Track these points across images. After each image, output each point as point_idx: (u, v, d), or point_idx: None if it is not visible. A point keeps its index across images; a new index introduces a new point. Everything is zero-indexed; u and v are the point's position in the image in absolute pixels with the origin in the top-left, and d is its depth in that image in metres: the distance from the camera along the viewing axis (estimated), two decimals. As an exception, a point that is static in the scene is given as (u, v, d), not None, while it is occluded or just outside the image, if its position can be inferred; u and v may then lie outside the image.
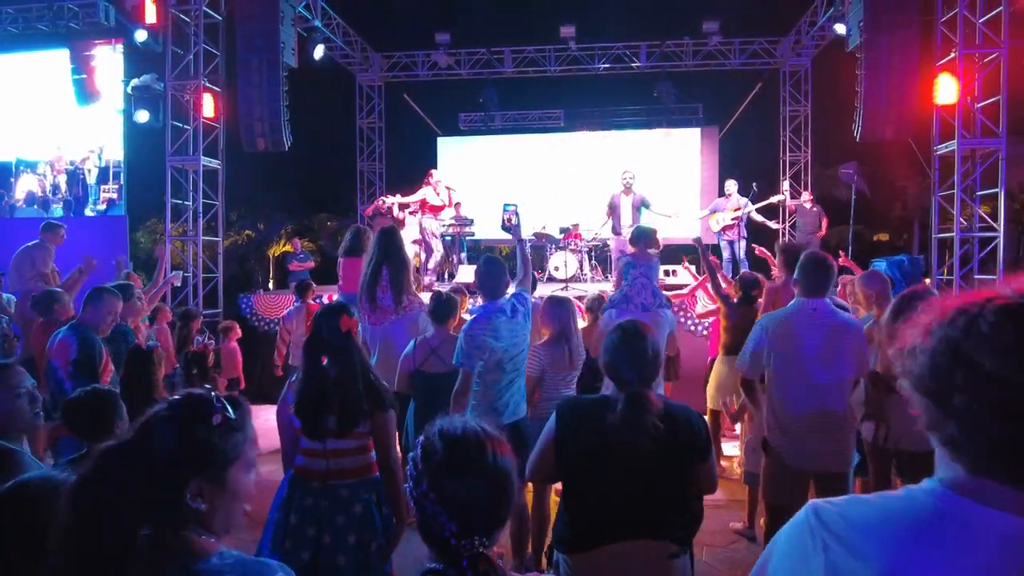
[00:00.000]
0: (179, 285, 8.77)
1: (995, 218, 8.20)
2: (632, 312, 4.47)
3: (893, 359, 0.91)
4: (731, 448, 5.87)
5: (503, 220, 4.01)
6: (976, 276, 8.22)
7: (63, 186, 10.80)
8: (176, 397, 1.24)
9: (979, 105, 8.11)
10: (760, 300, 5.13)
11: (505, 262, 3.94)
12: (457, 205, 10.97)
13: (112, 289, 3.88)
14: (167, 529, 1.16)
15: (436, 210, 9.58)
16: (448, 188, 9.78)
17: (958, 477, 0.83)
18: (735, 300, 5.22)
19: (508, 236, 4.03)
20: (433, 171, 9.82)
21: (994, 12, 7.86)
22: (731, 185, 9.75)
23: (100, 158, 10.67)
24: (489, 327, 3.33)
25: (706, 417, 5.40)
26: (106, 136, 10.67)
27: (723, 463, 5.47)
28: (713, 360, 5.56)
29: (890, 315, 3.04)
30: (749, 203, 9.57)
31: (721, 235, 9.66)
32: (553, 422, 2.20)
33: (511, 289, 3.67)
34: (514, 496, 1.27)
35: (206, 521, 1.19)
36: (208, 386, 1.31)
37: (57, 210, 10.73)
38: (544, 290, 7.20)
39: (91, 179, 10.71)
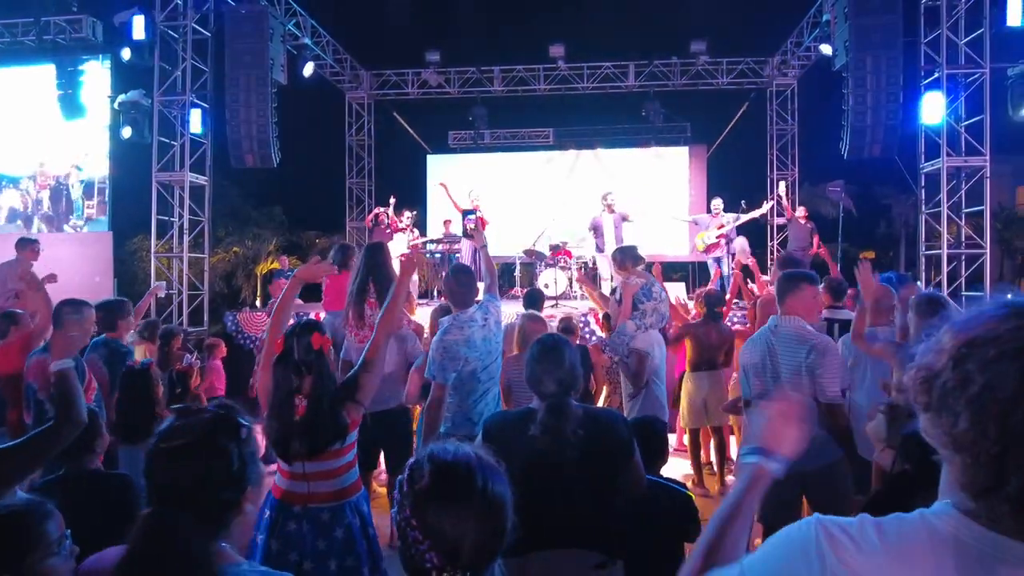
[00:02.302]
0: (163, 296, 8.61)
1: (981, 235, 8.27)
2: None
3: (911, 392, 0.82)
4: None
5: (463, 227, 4.06)
6: (963, 293, 8.27)
7: (46, 202, 10.66)
8: (203, 415, 1.27)
9: (963, 124, 8.22)
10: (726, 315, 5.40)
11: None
12: (447, 222, 10.98)
13: (87, 301, 3.75)
14: (214, 538, 1.21)
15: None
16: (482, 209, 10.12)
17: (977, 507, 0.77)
18: (699, 317, 5.26)
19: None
20: (471, 191, 10.05)
21: (976, 33, 8.01)
22: (717, 204, 9.67)
23: (80, 170, 10.55)
24: (462, 337, 3.28)
25: (686, 438, 5.36)
26: (91, 151, 10.56)
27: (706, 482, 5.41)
28: (681, 376, 5.48)
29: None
30: (732, 219, 9.54)
31: (706, 254, 9.55)
32: (479, 437, 2.23)
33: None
34: (508, 528, 1.19)
35: (244, 523, 1.29)
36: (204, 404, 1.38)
37: (39, 226, 10.58)
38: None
39: (75, 194, 10.58)
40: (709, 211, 9.94)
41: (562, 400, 2.13)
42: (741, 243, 9.06)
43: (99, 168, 10.55)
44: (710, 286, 6.45)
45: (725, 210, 9.60)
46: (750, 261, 6.84)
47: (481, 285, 4.20)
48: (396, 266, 9.65)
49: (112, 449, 3.26)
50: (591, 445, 2.07)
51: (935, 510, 0.80)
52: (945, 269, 8.19)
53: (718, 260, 9.40)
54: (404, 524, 1.13)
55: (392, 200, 10.61)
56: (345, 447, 2.48)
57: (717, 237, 9.30)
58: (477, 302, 3.58)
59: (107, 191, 10.48)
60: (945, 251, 8.23)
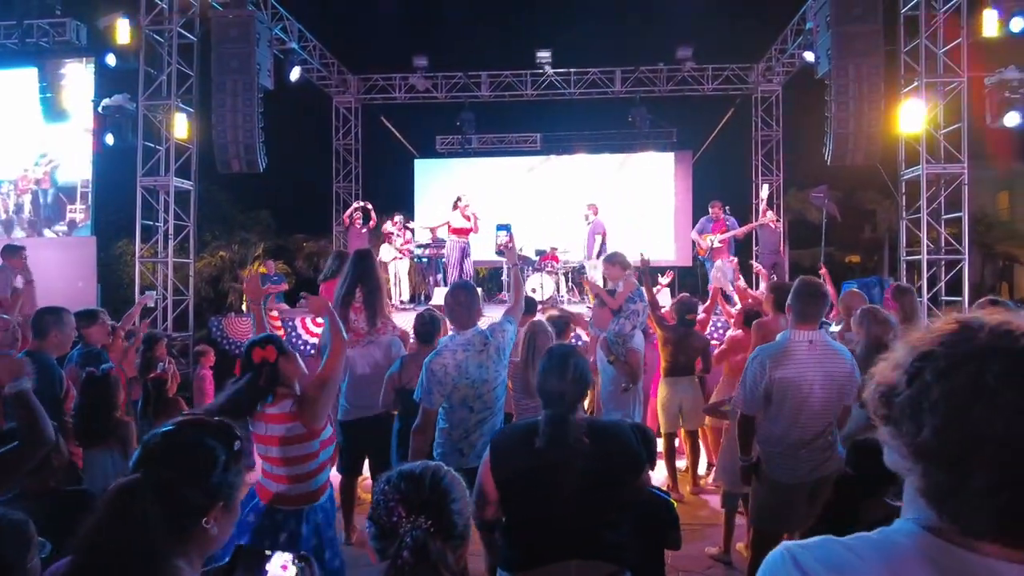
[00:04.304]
0: (152, 306, 8.56)
1: (960, 241, 8.40)
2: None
3: (871, 402, 0.85)
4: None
5: (497, 243, 3.93)
6: (943, 298, 8.38)
7: (28, 206, 10.54)
8: (190, 423, 1.30)
9: (942, 132, 8.35)
10: (697, 322, 5.47)
11: (483, 284, 3.92)
12: (433, 228, 10.99)
13: (67, 309, 3.75)
14: (167, 560, 1.15)
15: (461, 232, 9.77)
16: (474, 214, 9.98)
17: (941, 523, 0.79)
18: (673, 323, 5.35)
19: (490, 258, 3.99)
20: (461, 196, 9.99)
21: (954, 43, 8.15)
22: (715, 209, 9.57)
23: (55, 175, 10.42)
24: (453, 361, 3.09)
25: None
26: (73, 155, 10.45)
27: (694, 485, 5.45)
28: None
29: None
30: (733, 224, 9.54)
31: (709, 259, 9.41)
32: (488, 452, 2.23)
33: (497, 316, 3.51)
34: (459, 503, 1.36)
35: (207, 547, 1.23)
36: (192, 413, 1.38)
37: (19, 232, 10.45)
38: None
39: (50, 198, 10.45)
40: (706, 214, 9.75)
41: (561, 411, 2.13)
42: (721, 266, 9.06)
43: (82, 172, 10.44)
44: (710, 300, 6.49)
45: (725, 213, 9.49)
46: (733, 285, 6.76)
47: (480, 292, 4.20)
48: (402, 267, 9.64)
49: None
50: (598, 457, 2.07)
51: (897, 528, 0.82)
52: (925, 275, 8.31)
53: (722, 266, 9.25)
54: (381, 498, 1.32)
55: (398, 217, 10.59)
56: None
57: (720, 242, 9.26)
58: (498, 319, 3.45)
59: (90, 195, 10.38)
60: (925, 257, 8.34)
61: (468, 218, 9.83)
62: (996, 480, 0.72)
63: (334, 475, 2.80)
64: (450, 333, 3.33)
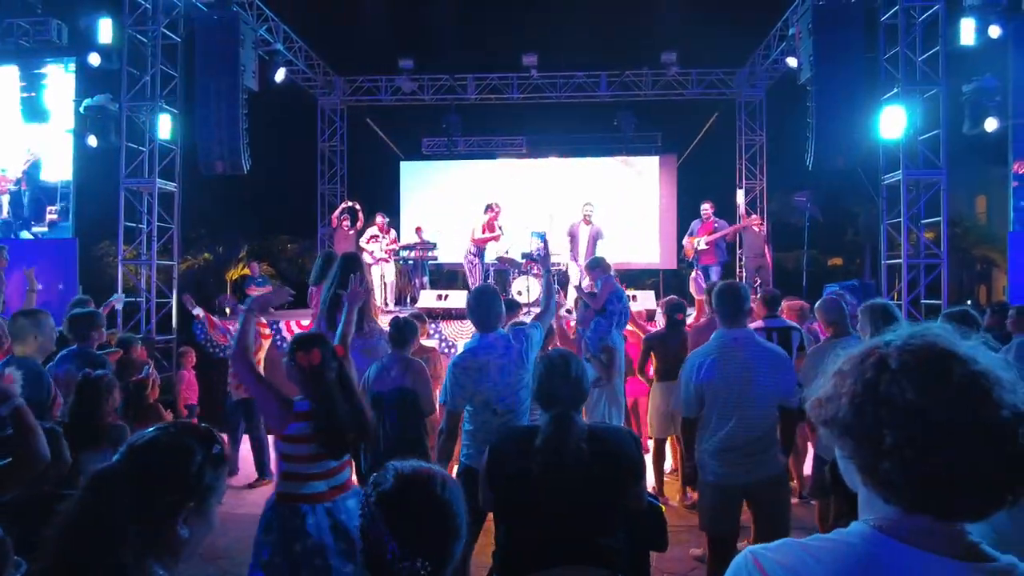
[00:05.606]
0: (120, 308, 8.44)
1: (938, 245, 8.55)
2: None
3: (809, 411, 0.95)
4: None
5: (533, 250, 4.02)
6: (923, 301, 8.52)
7: (5, 207, 10.38)
8: (174, 424, 1.33)
9: (921, 138, 8.49)
10: (687, 323, 5.56)
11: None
12: (419, 229, 10.98)
13: (44, 311, 3.71)
14: (138, 557, 1.15)
15: (477, 243, 9.79)
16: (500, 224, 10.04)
17: (890, 519, 0.85)
18: (662, 326, 5.43)
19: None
20: (494, 203, 10.01)
21: (932, 51, 8.30)
22: (706, 207, 9.48)
23: (37, 175, 10.25)
24: (474, 363, 3.13)
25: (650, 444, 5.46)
26: (53, 155, 10.30)
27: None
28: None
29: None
30: (722, 227, 9.51)
31: (697, 262, 9.34)
32: (487, 454, 2.25)
33: (522, 321, 3.59)
34: (460, 530, 1.31)
35: (178, 550, 1.22)
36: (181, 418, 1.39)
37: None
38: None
39: (27, 199, 10.30)
40: (699, 216, 9.61)
41: (566, 413, 2.13)
42: (696, 275, 9.05)
43: (63, 173, 10.30)
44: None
45: (715, 215, 9.44)
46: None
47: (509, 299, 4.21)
48: (388, 270, 9.52)
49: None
50: (597, 462, 2.07)
51: (851, 529, 0.88)
52: (905, 278, 8.45)
53: (707, 268, 9.18)
54: (368, 521, 1.27)
55: (381, 219, 10.54)
56: None
57: (707, 244, 9.21)
58: (521, 323, 3.49)
59: (71, 196, 10.24)
60: (905, 261, 8.48)
61: (495, 227, 9.90)
62: (903, 441, 0.81)
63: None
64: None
